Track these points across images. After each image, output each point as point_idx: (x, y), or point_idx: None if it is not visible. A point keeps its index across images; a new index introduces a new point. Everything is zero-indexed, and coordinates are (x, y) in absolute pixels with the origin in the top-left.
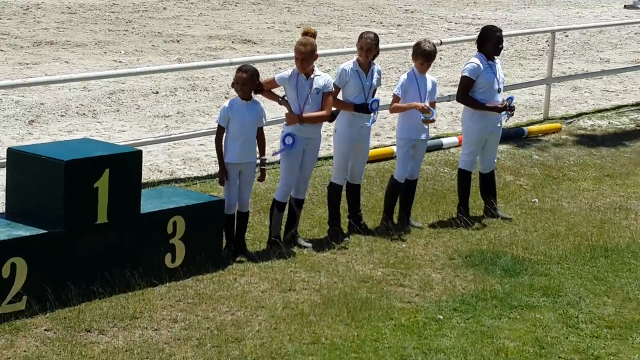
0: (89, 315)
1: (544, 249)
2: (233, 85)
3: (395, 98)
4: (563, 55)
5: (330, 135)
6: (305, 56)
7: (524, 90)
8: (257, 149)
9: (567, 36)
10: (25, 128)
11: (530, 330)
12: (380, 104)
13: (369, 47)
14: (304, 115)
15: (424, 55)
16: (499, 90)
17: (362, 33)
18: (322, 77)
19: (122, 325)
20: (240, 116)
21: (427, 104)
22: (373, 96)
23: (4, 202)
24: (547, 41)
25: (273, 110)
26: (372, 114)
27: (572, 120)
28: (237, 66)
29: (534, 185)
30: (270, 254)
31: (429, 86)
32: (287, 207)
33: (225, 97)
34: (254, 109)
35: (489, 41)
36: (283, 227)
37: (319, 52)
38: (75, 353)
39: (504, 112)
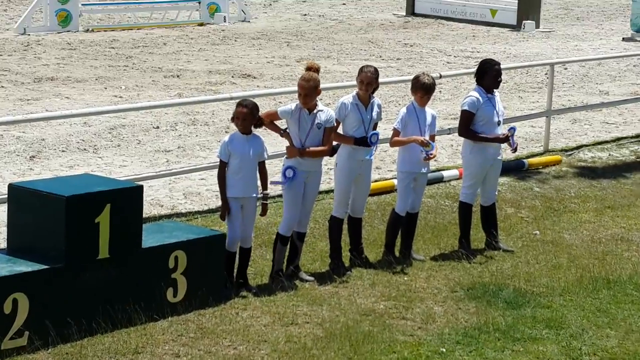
0: (91, 351)
1: (546, 281)
2: (233, 119)
3: (396, 132)
4: (562, 88)
5: (331, 169)
6: (308, 92)
7: (524, 122)
8: (258, 183)
9: (566, 69)
10: (27, 164)
11: None
12: (380, 138)
13: (369, 81)
14: (305, 150)
15: (424, 89)
16: (498, 123)
17: (362, 67)
18: (325, 112)
19: None
20: (240, 150)
21: (427, 137)
22: (374, 129)
23: (5, 237)
24: (546, 74)
25: (274, 145)
26: (371, 147)
27: (572, 152)
28: (237, 101)
29: (535, 218)
30: (272, 287)
31: (429, 119)
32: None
33: (226, 132)
34: (255, 143)
35: (488, 75)
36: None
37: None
38: None
39: (510, 144)
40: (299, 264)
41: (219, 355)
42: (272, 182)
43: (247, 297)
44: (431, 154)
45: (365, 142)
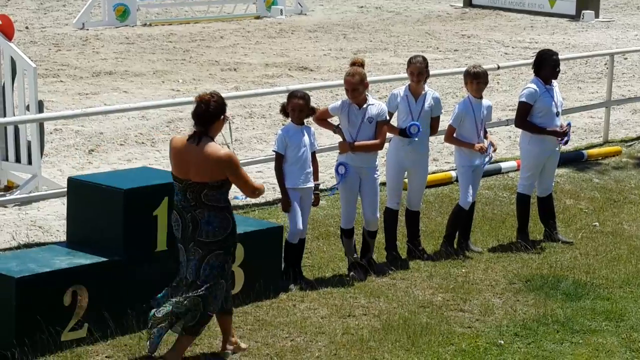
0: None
1: (606, 272)
2: (282, 111)
3: (451, 129)
4: (622, 78)
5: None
6: (355, 86)
7: (583, 113)
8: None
9: (626, 59)
10: (85, 157)
11: (593, 355)
12: (421, 129)
13: (419, 71)
14: (356, 143)
15: (472, 75)
16: (557, 114)
17: (411, 58)
18: (376, 106)
19: None
20: (297, 141)
21: (482, 135)
22: (433, 123)
23: (65, 230)
24: (605, 64)
25: (330, 137)
26: (413, 138)
27: (632, 143)
28: (289, 93)
29: (594, 209)
30: (330, 280)
31: (484, 112)
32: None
33: (282, 124)
34: (308, 134)
35: (546, 65)
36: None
37: (375, 78)
38: None
39: (563, 139)
40: (373, 258)
41: (276, 347)
42: (331, 192)
43: (304, 289)
44: (488, 160)
45: (405, 133)
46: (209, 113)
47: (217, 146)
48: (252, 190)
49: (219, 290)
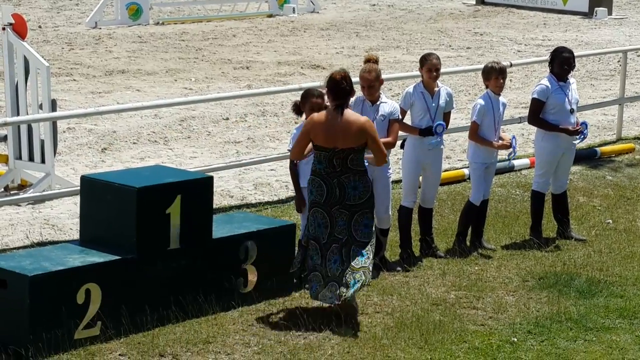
0: (162, 340)
1: (619, 270)
2: (295, 110)
3: (475, 125)
4: (635, 75)
5: (400, 159)
6: (371, 83)
7: (596, 110)
8: None
9: (639, 56)
10: (98, 156)
11: (606, 353)
12: (447, 127)
13: (437, 67)
14: None
15: (496, 71)
16: (571, 112)
17: (425, 56)
18: (389, 104)
19: (195, 350)
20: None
21: (509, 138)
22: (445, 119)
23: (78, 228)
24: (619, 61)
25: None
26: (436, 137)
27: None
28: (304, 91)
29: (607, 206)
30: None
31: (501, 109)
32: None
33: (295, 122)
34: None
35: (556, 62)
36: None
37: (388, 75)
38: None
39: (578, 136)
40: (386, 256)
41: (289, 344)
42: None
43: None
44: (514, 155)
45: (430, 132)
46: (348, 89)
47: (356, 114)
48: (384, 155)
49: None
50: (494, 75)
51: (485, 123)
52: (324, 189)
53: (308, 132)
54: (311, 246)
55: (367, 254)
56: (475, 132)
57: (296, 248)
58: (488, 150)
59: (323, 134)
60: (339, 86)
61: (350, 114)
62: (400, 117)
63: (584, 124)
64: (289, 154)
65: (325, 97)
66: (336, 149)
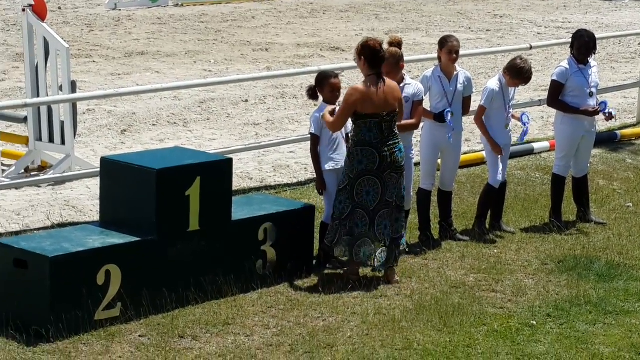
0: (182, 322)
1: (639, 253)
2: (311, 94)
3: (481, 109)
4: None
5: (419, 141)
6: (390, 68)
7: (616, 93)
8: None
9: None
10: (118, 137)
11: (626, 336)
12: (466, 113)
13: (457, 50)
14: None
15: (526, 78)
16: (590, 94)
17: (445, 38)
18: (413, 85)
19: (215, 331)
20: None
21: (511, 113)
22: (463, 104)
23: (98, 210)
24: (639, 44)
25: None
26: (447, 123)
27: None
28: (321, 72)
29: (627, 190)
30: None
31: (511, 94)
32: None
33: (315, 105)
34: None
35: (575, 45)
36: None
37: (407, 58)
38: (169, 359)
39: (606, 118)
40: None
41: (308, 326)
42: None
43: (336, 269)
44: (526, 130)
45: (442, 117)
46: (384, 58)
47: (389, 79)
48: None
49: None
50: (522, 80)
51: (495, 107)
52: (376, 156)
53: (355, 104)
54: (357, 215)
55: (404, 222)
56: (481, 117)
57: (315, 230)
58: (500, 132)
59: (372, 101)
60: (378, 54)
61: (388, 80)
62: (423, 98)
63: (603, 103)
64: (309, 136)
65: (339, 78)
66: (384, 114)
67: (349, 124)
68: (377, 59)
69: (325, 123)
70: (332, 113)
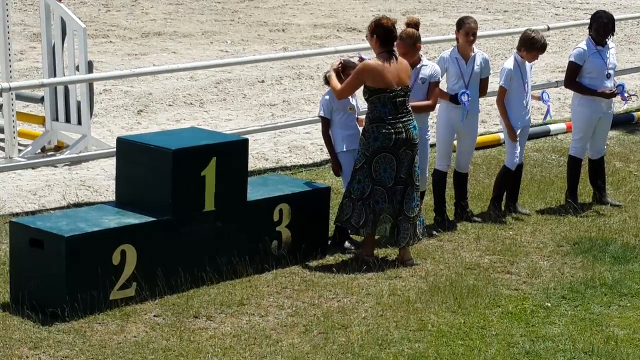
0: (197, 302)
1: None
2: (328, 80)
3: (502, 90)
4: None
5: (435, 122)
6: (406, 50)
7: (634, 75)
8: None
9: None
10: (134, 118)
11: None
12: (483, 94)
13: (474, 31)
14: (410, 104)
15: (541, 48)
16: (608, 76)
17: (462, 19)
18: (430, 66)
19: (229, 311)
20: (343, 104)
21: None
22: (480, 85)
23: (114, 190)
24: None
25: None
26: (462, 105)
27: None
28: (342, 55)
29: None
30: (378, 241)
31: (529, 72)
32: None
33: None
34: (353, 96)
35: (593, 26)
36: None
37: (424, 39)
38: (184, 339)
39: (623, 101)
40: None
41: (322, 307)
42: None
43: (351, 250)
44: (548, 113)
45: (456, 99)
46: (396, 37)
47: (402, 58)
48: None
49: None
50: (536, 51)
51: (513, 89)
52: (392, 133)
53: (363, 74)
54: (377, 192)
55: (420, 203)
56: (503, 98)
57: (331, 211)
58: (519, 113)
59: (384, 75)
60: (391, 33)
61: (399, 56)
62: (440, 79)
63: (621, 85)
64: (321, 121)
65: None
66: (398, 88)
67: (361, 104)
68: (390, 37)
69: (331, 87)
70: (337, 72)
